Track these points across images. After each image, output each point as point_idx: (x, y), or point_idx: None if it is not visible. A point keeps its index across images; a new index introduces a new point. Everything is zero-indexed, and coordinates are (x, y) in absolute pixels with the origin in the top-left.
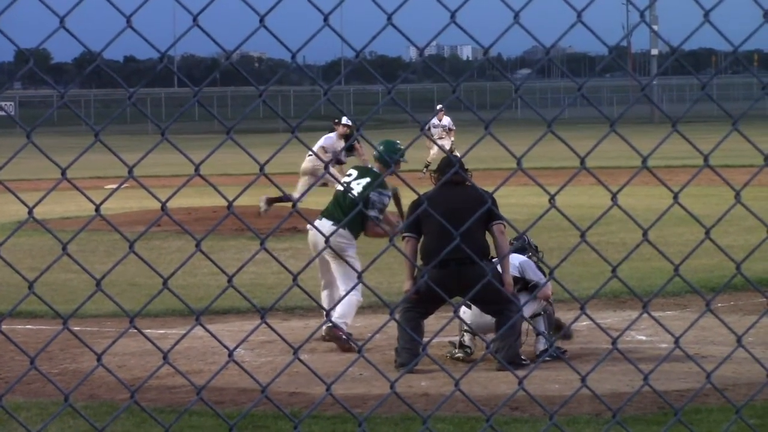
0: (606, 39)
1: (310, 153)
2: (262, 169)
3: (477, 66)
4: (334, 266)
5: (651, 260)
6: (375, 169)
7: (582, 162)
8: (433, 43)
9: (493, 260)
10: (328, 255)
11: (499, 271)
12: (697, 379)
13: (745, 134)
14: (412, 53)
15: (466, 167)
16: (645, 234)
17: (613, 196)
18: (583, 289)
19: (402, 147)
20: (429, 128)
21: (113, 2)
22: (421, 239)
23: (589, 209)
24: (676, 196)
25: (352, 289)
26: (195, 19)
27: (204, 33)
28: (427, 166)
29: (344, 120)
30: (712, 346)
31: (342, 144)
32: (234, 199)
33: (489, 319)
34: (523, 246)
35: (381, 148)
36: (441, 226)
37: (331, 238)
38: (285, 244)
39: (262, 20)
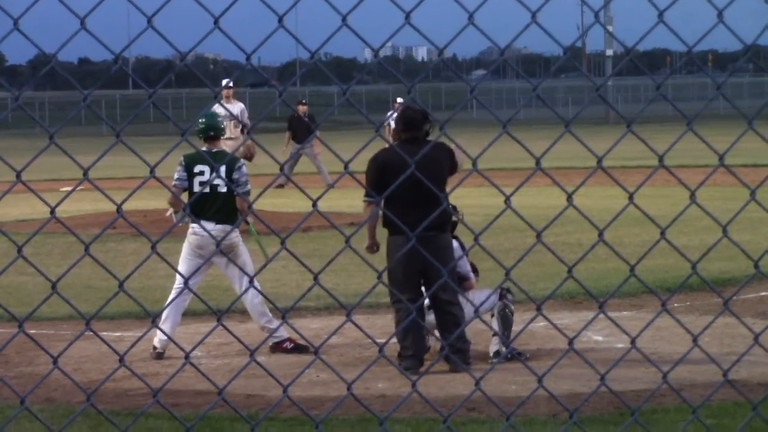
0: (561, 40)
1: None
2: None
3: (432, 67)
4: (228, 267)
5: (607, 261)
6: (218, 150)
7: (537, 163)
8: (388, 44)
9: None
10: (217, 258)
11: (458, 246)
12: (654, 380)
13: (699, 134)
14: (368, 54)
15: (429, 122)
16: (601, 234)
17: (569, 197)
18: (540, 289)
19: (220, 116)
20: (388, 123)
21: (67, 4)
22: (382, 204)
23: (545, 210)
24: (631, 197)
25: (244, 292)
26: (149, 21)
27: (158, 34)
28: None
29: (224, 82)
30: (668, 346)
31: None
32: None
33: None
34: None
35: (203, 120)
36: (406, 189)
37: (225, 239)
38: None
39: (216, 22)
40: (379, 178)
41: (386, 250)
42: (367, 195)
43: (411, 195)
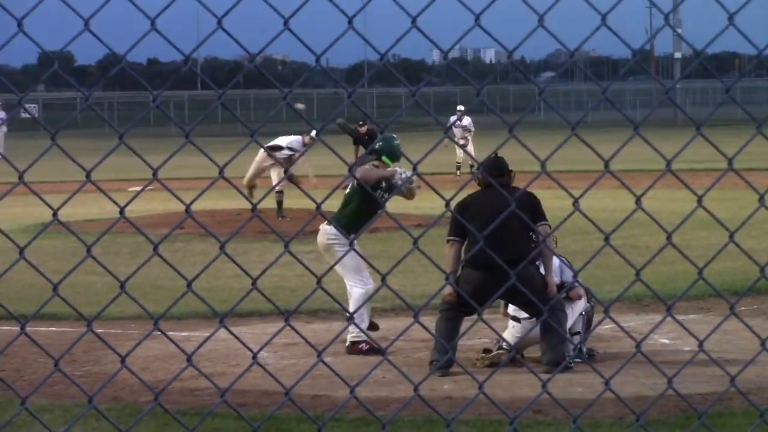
0: (630, 42)
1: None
2: (286, 171)
3: (500, 69)
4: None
5: (674, 264)
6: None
7: (606, 165)
8: (457, 46)
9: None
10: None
11: (541, 274)
12: (721, 383)
13: None
14: (436, 56)
15: (510, 168)
16: (669, 237)
17: (637, 200)
18: (607, 292)
19: (398, 141)
20: (452, 128)
21: (138, 5)
22: (465, 243)
23: (613, 213)
24: (699, 200)
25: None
26: (219, 22)
27: (228, 35)
28: (458, 168)
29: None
30: (735, 349)
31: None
32: (258, 202)
33: (537, 332)
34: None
35: (380, 144)
36: (485, 230)
37: (319, 239)
38: (308, 247)
39: (286, 23)
40: (457, 219)
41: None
42: (450, 235)
43: (491, 236)
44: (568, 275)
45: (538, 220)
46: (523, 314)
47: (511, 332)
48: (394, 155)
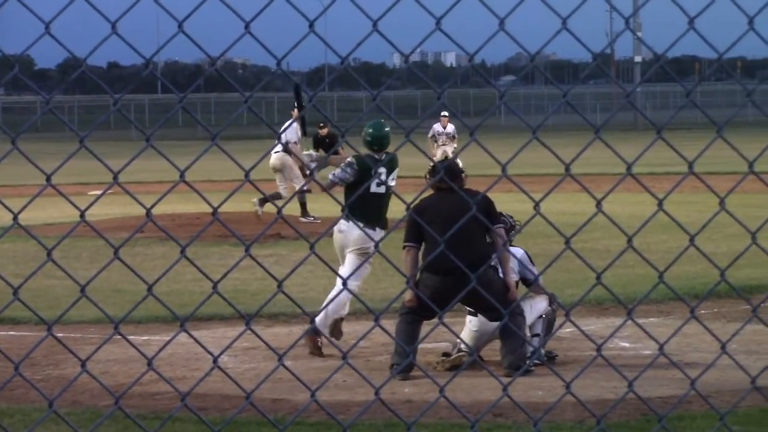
0: (590, 46)
1: (277, 150)
2: (247, 175)
3: (461, 72)
4: (349, 258)
5: (635, 267)
6: (376, 155)
7: (567, 169)
8: (418, 49)
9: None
10: (347, 250)
11: (500, 277)
12: (681, 386)
13: (729, 141)
14: (396, 60)
15: (464, 172)
16: (629, 241)
17: (598, 203)
18: (568, 296)
19: (387, 127)
20: (433, 135)
21: (98, 8)
22: (422, 247)
23: (574, 216)
24: (660, 203)
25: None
26: (180, 26)
27: (188, 39)
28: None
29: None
30: (696, 353)
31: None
32: (219, 206)
33: (494, 326)
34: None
35: (371, 131)
36: (443, 234)
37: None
38: (269, 251)
39: (247, 26)
40: (415, 222)
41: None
42: (407, 241)
43: (449, 239)
44: (529, 273)
45: (494, 223)
46: None
47: (468, 327)
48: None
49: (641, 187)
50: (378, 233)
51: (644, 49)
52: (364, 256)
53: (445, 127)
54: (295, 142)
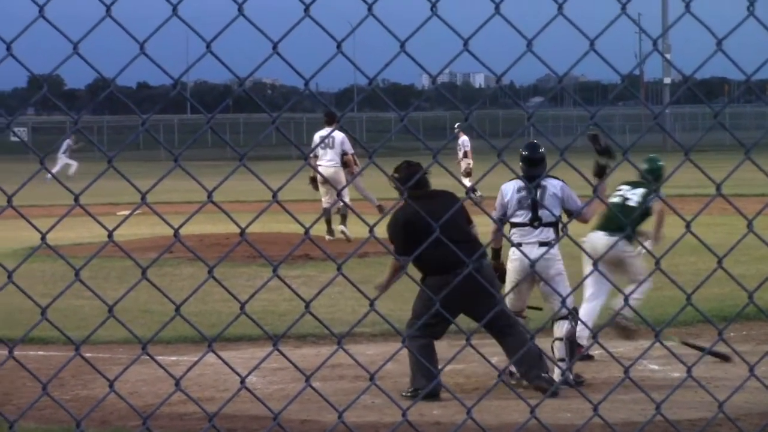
0: (619, 67)
1: (331, 161)
2: (275, 196)
3: (489, 94)
4: (616, 272)
5: (663, 289)
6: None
7: (595, 191)
8: (446, 70)
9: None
10: (605, 266)
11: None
12: (710, 409)
13: (757, 163)
14: (425, 81)
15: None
16: (657, 263)
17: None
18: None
19: (662, 163)
20: (462, 148)
21: (126, 28)
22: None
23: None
24: (688, 225)
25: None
26: (208, 46)
27: (217, 59)
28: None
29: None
30: (724, 375)
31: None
32: (246, 226)
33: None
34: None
35: (646, 166)
36: (436, 238)
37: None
38: (297, 271)
39: (275, 47)
40: (407, 236)
41: (422, 293)
42: (402, 256)
43: (439, 239)
44: (572, 203)
45: (470, 221)
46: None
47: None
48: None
49: (670, 209)
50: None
51: (673, 70)
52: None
53: (458, 140)
54: (354, 153)
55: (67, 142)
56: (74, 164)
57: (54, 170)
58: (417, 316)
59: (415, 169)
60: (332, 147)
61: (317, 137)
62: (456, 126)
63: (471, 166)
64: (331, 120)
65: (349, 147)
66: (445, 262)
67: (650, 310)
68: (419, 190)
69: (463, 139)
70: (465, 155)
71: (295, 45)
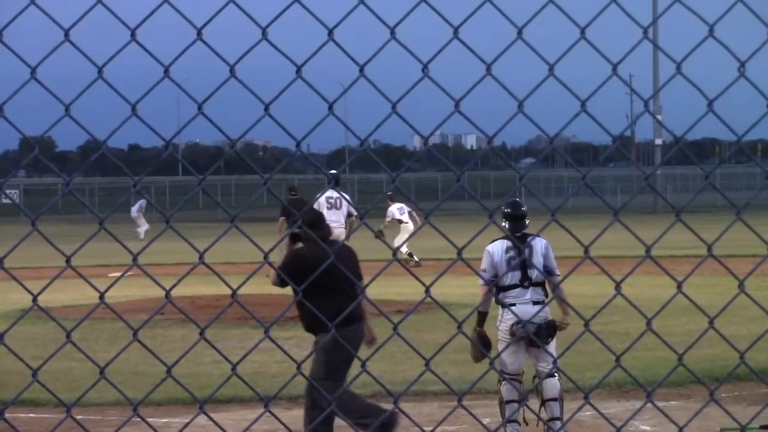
0: (610, 128)
1: (338, 223)
2: (266, 256)
3: (481, 155)
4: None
5: (654, 350)
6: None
7: (586, 251)
8: (438, 131)
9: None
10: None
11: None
12: None
13: (749, 224)
14: (416, 142)
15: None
16: (648, 323)
17: (617, 286)
18: (587, 378)
19: None
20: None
21: (118, 90)
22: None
23: (593, 298)
24: (679, 286)
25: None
26: (200, 107)
27: (209, 121)
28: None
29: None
30: None
31: None
32: (238, 288)
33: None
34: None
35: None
36: (337, 284)
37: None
38: (289, 333)
39: (266, 108)
40: (302, 277)
41: (328, 347)
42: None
43: (338, 288)
44: (552, 260)
45: (361, 277)
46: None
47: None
48: None
49: (661, 270)
50: None
51: (665, 131)
52: None
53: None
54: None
55: (140, 203)
56: (145, 225)
57: (143, 229)
58: (330, 377)
59: (317, 214)
60: (339, 208)
61: (324, 200)
62: (388, 194)
63: (413, 226)
64: (338, 181)
65: (353, 209)
66: (339, 313)
67: (642, 371)
68: (322, 231)
69: (394, 209)
70: (409, 217)
71: (286, 106)
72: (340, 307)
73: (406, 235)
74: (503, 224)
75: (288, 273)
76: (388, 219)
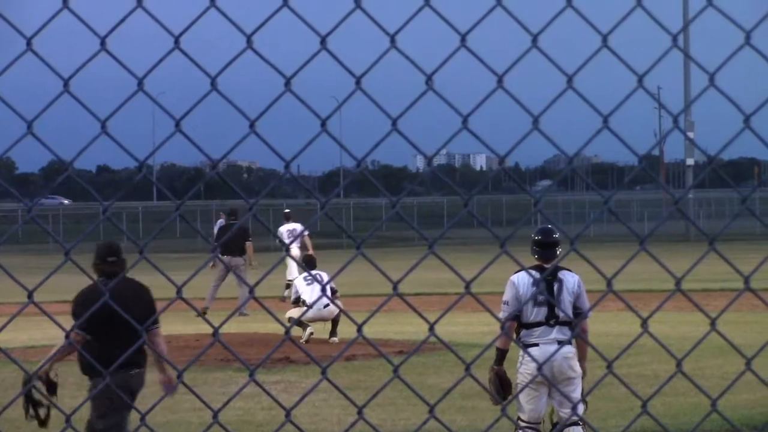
0: (636, 147)
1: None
2: (251, 291)
3: (492, 177)
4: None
5: (686, 395)
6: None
7: (609, 284)
8: (443, 151)
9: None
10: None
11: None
12: None
13: None
14: (420, 162)
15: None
16: (679, 365)
17: (644, 323)
18: (611, 426)
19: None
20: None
21: (87, 105)
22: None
23: (618, 337)
24: (713, 323)
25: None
26: (177, 124)
27: (187, 139)
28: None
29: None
30: None
31: None
32: (220, 325)
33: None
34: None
35: None
36: (122, 325)
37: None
38: (276, 377)
39: (252, 125)
40: (82, 312)
41: (102, 393)
42: (80, 328)
43: (121, 331)
44: (585, 300)
45: (154, 321)
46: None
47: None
48: None
49: (693, 305)
50: None
51: (697, 150)
52: None
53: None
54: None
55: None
56: None
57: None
58: (106, 427)
59: (116, 248)
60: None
61: (285, 231)
62: (286, 210)
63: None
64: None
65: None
66: (117, 357)
67: (672, 418)
68: (111, 266)
69: (284, 230)
70: (298, 242)
71: (274, 124)
72: (117, 351)
73: (294, 266)
74: (534, 252)
75: (74, 310)
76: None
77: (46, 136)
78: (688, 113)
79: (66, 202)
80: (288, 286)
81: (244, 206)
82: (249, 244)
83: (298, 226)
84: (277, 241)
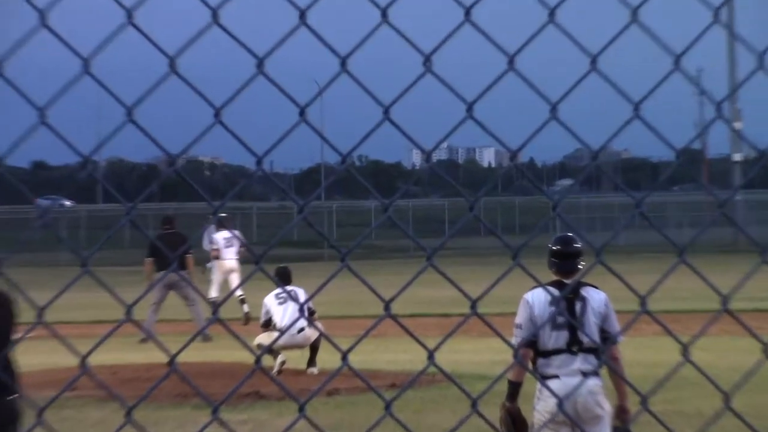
0: (673, 140)
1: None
2: (215, 311)
3: (502, 174)
4: None
5: None
6: None
7: (642, 304)
8: (444, 144)
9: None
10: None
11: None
12: None
13: None
14: (416, 158)
15: None
16: (727, 400)
17: (685, 350)
18: None
19: None
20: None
21: (21, 90)
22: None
23: (654, 367)
24: (767, 350)
25: None
26: (129, 113)
27: (140, 130)
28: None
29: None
30: None
31: None
32: (177, 353)
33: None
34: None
35: None
36: None
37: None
38: (244, 415)
39: (217, 114)
40: None
41: None
42: None
43: None
44: (614, 323)
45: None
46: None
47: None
48: None
49: (743, 328)
50: None
51: (746, 144)
52: None
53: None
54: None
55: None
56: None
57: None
58: None
59: None
60: (233, 246)
61: (221, 239)
62: (223, 215)
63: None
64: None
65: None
66: None
67: None
68: None
69: (220, 237)
70: (234, 254)
71: (244, 113)
72: None
73: (216, 282)
74: (552, 265)
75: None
76: (213, 246)
77: None
78: (733, 100)
79: (68, 203)
80: (243, 301)
81: (199, 211)
82: (189, 257)
83: (231, 235)
84: (213, 247)
